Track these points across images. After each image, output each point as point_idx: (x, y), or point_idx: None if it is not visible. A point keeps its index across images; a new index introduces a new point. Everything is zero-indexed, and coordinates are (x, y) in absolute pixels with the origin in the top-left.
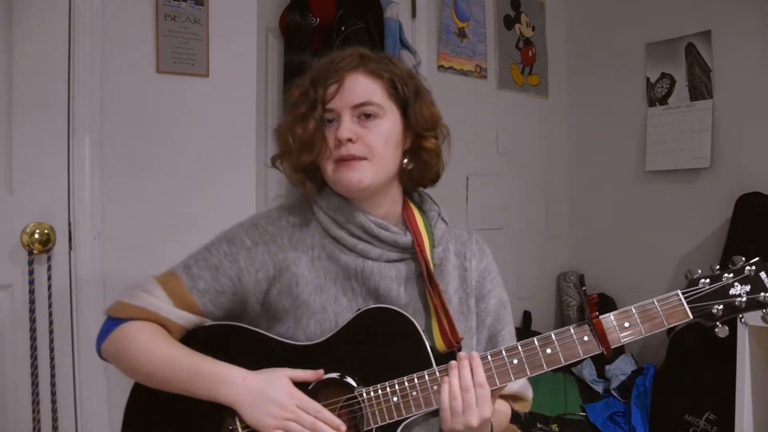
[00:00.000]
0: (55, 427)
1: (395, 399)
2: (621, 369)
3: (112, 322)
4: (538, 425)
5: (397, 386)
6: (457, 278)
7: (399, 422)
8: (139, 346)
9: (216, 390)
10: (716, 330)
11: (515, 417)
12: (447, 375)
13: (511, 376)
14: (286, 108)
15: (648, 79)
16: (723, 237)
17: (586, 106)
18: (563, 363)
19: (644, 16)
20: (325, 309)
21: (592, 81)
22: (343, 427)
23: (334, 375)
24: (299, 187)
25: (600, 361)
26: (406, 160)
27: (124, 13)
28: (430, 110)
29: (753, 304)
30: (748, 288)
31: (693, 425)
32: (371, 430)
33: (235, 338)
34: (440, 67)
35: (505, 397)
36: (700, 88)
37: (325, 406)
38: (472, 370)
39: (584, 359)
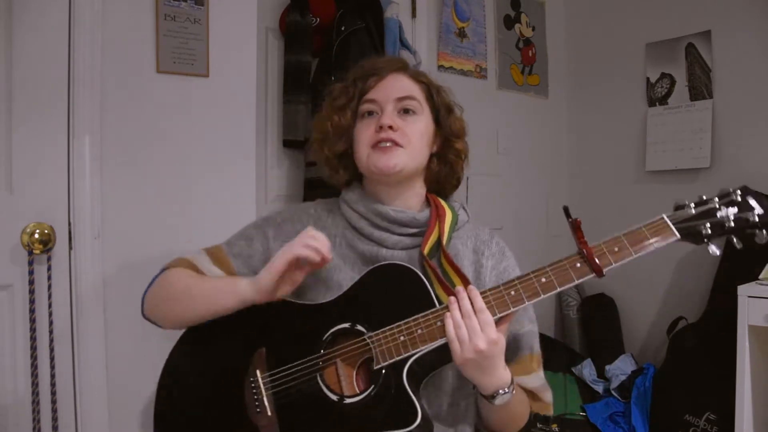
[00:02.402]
0: (55, 427)
1: (402, 338)
2: (621, 369)
3: (160, 272)
4: (538, 425)
5: (403, 326)
6: (472, 273)
7: (407, 358)
8: (172, 287)
9: (236, 288)
10: (709, 248)
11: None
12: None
13: (510, 305)
14: (326, 102)
15: (648, 79)
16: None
17: (586, 106)
18: (558, 289)
19: (644, 16)
20: (340, 286)
21: (592, 81)
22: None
23: (346, 325)
24: (332, 173)
25: (600, 361)
26: (434, 162)
27: (124, 13)
28: (460, 123)
29: (742, 224)
30: (735, 210)
31: (693, 425)
32: (381, 368)
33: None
34: (440, 67)
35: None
36: (700, 88)
37: (338, 351)
38: (471, 299)
39: (571, 283)
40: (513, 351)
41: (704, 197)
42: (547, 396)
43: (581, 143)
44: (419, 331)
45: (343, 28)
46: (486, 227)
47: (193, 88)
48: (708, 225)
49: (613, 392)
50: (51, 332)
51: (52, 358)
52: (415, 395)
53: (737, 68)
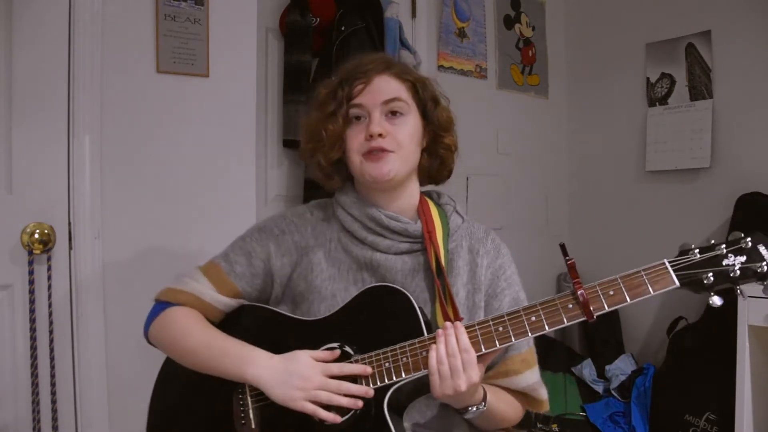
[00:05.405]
0: (55, 427)
1: (387, 364)
2: (621, 369)
3: (160, 306)
4: (538, 425)
5: (389, 353)
6: (467, 273)
7: (390, 386)
8: (179, 328)
9: (243, 369)
10: (710, 300)
11: (525, 419)
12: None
13: (496, 342)
14: (314, 105)
15: (648, 79)
16: (723, 237)
17: (586, 106)
18: (547, 330)
19: (644, 16)
20: (334, 296)
21: (592, 81)
22: (369, 370)
23: (334, 345)
24: (326, 180)
25: (600, 361)
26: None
27: (124, 13)
28: (447, 114)
29: (748, 274)
30: (743, 258)
31: (693, 425)
32: None
33: (252, 315)
34: (440, 67)
35: (516, 396)
36: (700, 88)
37: None
38: (457, 337)
39: (567, 325)
40: (500, 353)
41: (712, 242)
42: (541, 393)
43: (581, 143)
44: (404, 359)
45: (343, 28)
46: (482, 225)
47: (193, 88)
48: (711, 275)
49: (613, 392)
50: (51, 332)
51: (52, 358)
52: (393, 422)
53: (737, 68)
